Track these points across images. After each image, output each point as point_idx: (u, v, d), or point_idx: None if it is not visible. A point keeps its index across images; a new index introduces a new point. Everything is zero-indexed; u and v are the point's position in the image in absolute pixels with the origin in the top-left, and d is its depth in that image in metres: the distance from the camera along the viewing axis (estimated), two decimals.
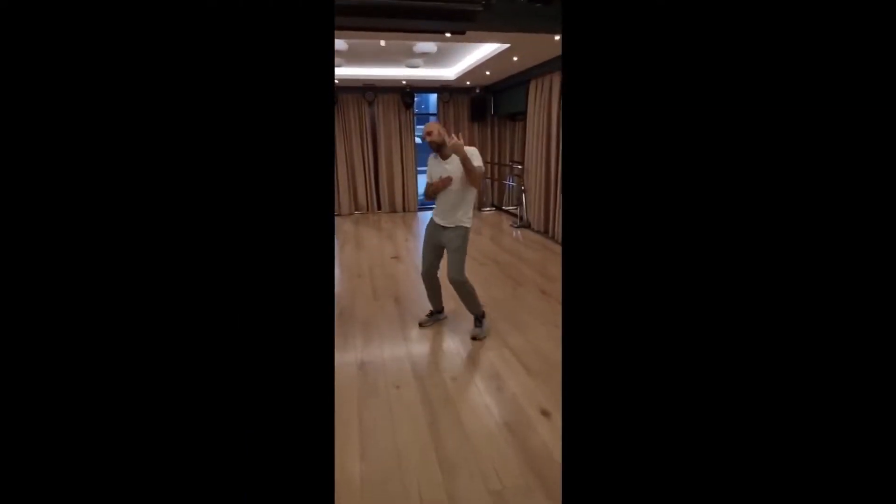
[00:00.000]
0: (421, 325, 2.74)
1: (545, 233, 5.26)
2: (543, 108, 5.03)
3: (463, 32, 2.98)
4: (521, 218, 5.84)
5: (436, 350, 2.45)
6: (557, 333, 2.61)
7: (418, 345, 2.51)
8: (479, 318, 2.60)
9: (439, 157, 2.45)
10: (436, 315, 2.79)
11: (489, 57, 4.45)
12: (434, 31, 2.97)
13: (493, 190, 7.20)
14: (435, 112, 7.05)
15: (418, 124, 7.42)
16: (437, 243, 2.52)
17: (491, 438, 1.73)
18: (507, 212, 6.77)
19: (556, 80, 4.69)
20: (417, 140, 7.17)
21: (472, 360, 2.32)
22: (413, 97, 6.57)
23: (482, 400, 1.98)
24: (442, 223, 2.47)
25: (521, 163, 5.76)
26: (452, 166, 2.39)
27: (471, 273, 3.62)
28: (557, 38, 3.64)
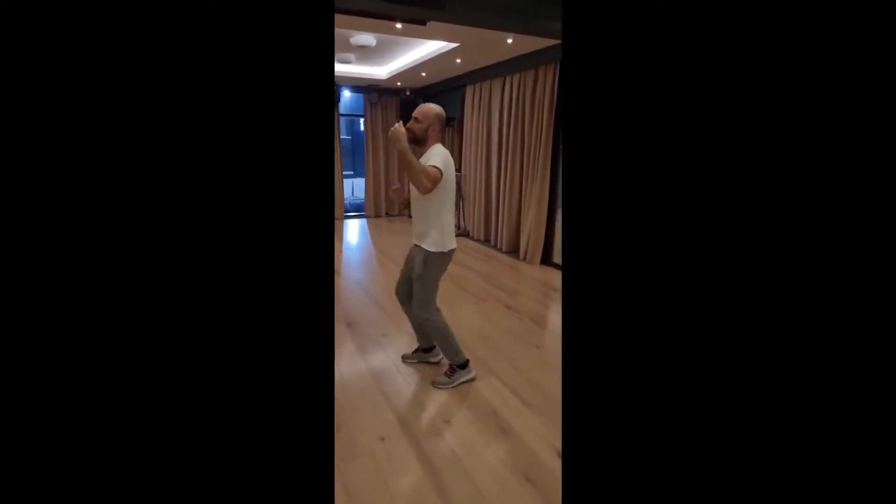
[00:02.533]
0: (404, 358, 2.31)
1: (486, 241, 5.12)
2: (483, 114, 4.90)
3: (424, 23, 2.68)
4: (459, 226, 5.65)
5: (417, 388, 2.09)
6: (543, 357, 2.41)
7: (394, 382, 2.13)
8: (454, 367, 2.09)
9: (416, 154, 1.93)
10: (421, 354, 2.27)
11: (432, 56, 4.19)
12: (390, 17, 2.62)
13: None
14: (360, 113, 6.61)
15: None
16: (410, 263, 2.07)
17: (513, 497, 1.44)
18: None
19: (497, 85, 4.58)
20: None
21: (462, 397, 2.01)
22: (339, 95, 6.07)
23: (488, 447, 1.68)
24: (413, 240, 2.02)
25: (458, 169, 5.58)
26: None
27: None
28: (510, 40, 3.50)
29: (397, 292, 2.16)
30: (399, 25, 3.07)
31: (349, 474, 1.52)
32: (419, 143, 1.88)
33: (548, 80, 3.87)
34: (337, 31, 3.51)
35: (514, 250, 4.64)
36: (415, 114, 1.89)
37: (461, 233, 5.51)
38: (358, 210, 7.12)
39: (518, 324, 2.85)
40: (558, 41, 3.44)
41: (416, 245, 1.99)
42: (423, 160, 1.86)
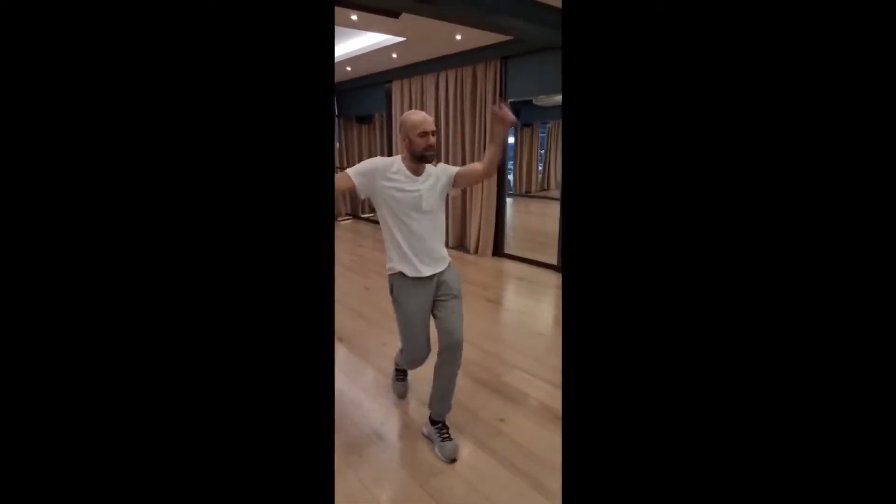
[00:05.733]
0: (402, 396, 2.00)
1: None
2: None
3: (397, 15, 2.57)
4: None
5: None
6: (553, 343, 2.52)
7: (428, 391, 2.05)
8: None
9: (409, 170, 1.53)
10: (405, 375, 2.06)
11: (367, 50, 4.02)
12: (368, 8, 2.45)
13: (347, 197, 6.64)
14: None
15: None
16: (429, 304, 1.62)
17: None
18: (365, 220, 6.33)
19: (430, 81, 4.57)
20: None
21: (502, 394, 2.01)
22: None
23: (557, 436, 1.72)
24: (431, 271, 1.59)
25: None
26: (428, 185, 1.56)
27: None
28: (459, 36, 3.52)
29: (427, 347, 1.68)
30: (355, 17, 2.89)
31: (442, 494, 1.44)
32: (426, 156, 1.53)
33: (489, 76, 3.98)
34: None
35: (460, 245, 4.70)
36: (433, 128, 1.52)
37: None
38: None
39: (507, 315, 2.92)
40: (502, 38, 3.55)
41: (444, 270, 1.63)
42: (440, 171, 1.61)
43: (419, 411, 1.88)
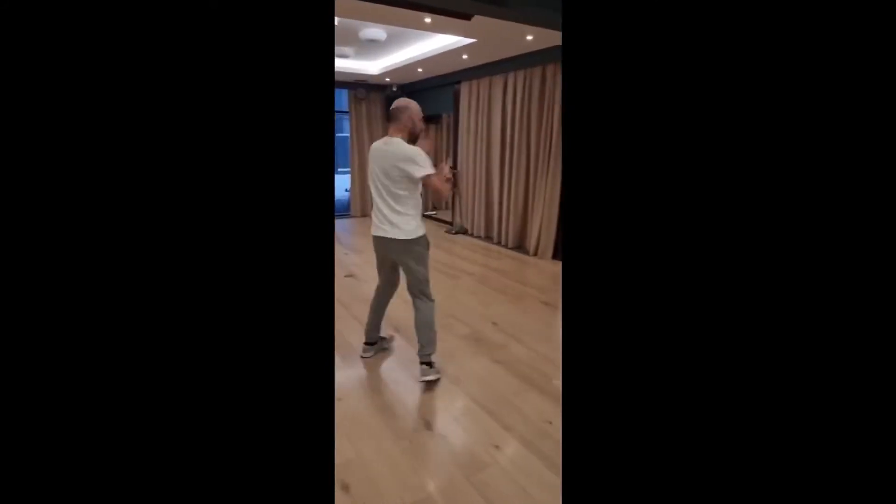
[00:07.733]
0: (429, 382, 2.08)
1: (488, 238, 5.13)
2: (482, 111, 4.89)
3: (469, 18, 2.61)
4: (454, 223, 5.61)
5: (505, 391, 2.06)
6: None
7: (482, 386, 2.08)
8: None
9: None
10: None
11: (439, 52, 4.11)
12: (441, 11, 2.52)
13: None
14: (341, 110, 6.37)
15: None
16: None
17: None
18: (429, 217, 6.47)
19: (498, 83, 4.59)
20: None
21: (554, 397, 2.00)
22: None
23: None
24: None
25: (454, 166, 5.54)
26: None
27: (453, 288, 3.51)
28: (530, 37, 3.51)
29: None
30: (428, 20, 2.98)
31: (485, 488, 1.47)
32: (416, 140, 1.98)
33: (557, 78, 3.92)
34: (347, 23, 3.35)
35: (519, 246, 4.68)
36: (419, 117, 1.97)
37: (459, 230, 5.47)
38: (340, 209, 6.88)
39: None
40: None
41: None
42: (415, 163, 1.86)
43: (469, 406, 1.92)
